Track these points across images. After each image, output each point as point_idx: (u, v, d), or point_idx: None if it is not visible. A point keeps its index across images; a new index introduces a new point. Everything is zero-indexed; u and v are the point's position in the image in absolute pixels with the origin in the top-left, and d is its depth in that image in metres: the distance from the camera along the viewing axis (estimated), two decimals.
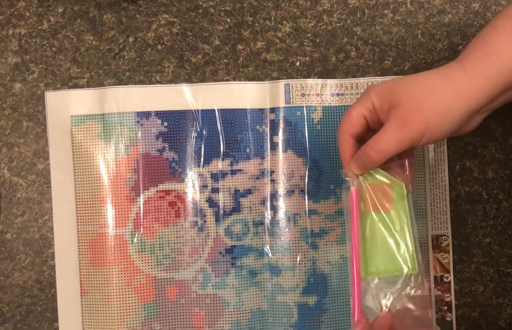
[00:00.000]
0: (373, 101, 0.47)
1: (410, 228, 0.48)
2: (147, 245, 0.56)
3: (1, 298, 0.56)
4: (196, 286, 0.57)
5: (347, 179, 0.48)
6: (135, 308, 0.55)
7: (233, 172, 0.57)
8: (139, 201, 0.56)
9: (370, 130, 0.49)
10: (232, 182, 0.57)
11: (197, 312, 0.57)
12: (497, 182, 0.58)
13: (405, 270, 0.47)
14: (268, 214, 0.57)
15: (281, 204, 0.57)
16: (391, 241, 0.47)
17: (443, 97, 0.44)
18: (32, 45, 0.56)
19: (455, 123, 0.45)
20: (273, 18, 0.58)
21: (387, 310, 0.46)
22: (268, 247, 0.57)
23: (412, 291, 0.47)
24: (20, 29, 0.56)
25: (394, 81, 0.47)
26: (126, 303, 0.55)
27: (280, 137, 0.57)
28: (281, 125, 0.57)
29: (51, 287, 0.56)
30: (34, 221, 0.56)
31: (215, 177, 0.57)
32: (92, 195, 0.56)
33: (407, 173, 0.49)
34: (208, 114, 0.57)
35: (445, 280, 0.58)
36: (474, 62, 0.45)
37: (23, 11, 0.56)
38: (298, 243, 0.57)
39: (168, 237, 0.56)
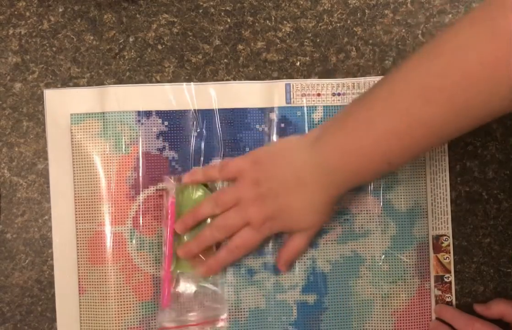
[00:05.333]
0: None
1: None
2: (146, 243, 0.56)
3: (1, 298, 0.56)
4: None
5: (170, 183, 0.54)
6: (133, 306, 0.55)
7: None
8: (139, 199, 0.56)
9: None
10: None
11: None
12: (497, 182, 0.58)
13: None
14: None
15: None
16: None
17: None
18: (32, 45, 0.56)
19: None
20: (273, 18, 0.58)
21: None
22: (267, 246, 0.57)
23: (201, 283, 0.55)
24: (20, 29, 0.57)
25: None
26: (124, 301, 0.55)
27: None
28: (282, 125, 0.57)
29: (51, 287, 0.56)
30: (34, 220, 0.56)
31: None
32: (91, 193, 0.56)
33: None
34: (208, 114, 0.57)
35: (445, 280, 0.58)
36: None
37: (23, 11, 0.57)
38: None
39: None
